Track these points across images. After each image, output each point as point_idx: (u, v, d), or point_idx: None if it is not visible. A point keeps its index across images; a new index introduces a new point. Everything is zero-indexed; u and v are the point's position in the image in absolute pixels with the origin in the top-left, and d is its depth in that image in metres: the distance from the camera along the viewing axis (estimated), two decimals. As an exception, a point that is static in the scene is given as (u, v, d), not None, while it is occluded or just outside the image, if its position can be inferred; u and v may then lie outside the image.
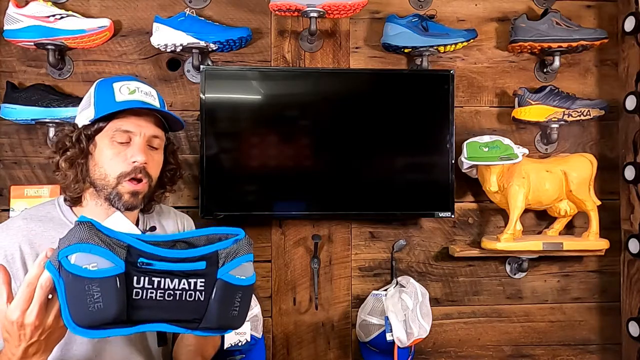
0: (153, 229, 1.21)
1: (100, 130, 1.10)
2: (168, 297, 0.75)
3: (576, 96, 1.77)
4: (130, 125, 1.10)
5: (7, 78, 1.65)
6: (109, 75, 1.69)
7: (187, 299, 0.76)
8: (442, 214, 1.70)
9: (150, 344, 1.18)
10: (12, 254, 1.04)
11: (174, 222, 1.31)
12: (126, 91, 1.11)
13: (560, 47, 1.73)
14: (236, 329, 0.83)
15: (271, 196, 1.68)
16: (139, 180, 1.11)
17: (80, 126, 1.12)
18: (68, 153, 1.10)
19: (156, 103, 1.16)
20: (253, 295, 1.62)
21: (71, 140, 1.10)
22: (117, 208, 1.10)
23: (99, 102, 1.11)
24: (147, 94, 1.14)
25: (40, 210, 1.14)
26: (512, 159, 1.64)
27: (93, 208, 1.13)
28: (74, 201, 1.14)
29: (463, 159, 1.67)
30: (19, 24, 1.57)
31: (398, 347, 1.57)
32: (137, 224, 1.19)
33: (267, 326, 1.73)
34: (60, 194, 1.19)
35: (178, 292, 0.76)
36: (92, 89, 1.16)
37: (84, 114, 1.13)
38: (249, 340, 1.53)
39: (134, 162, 1.09)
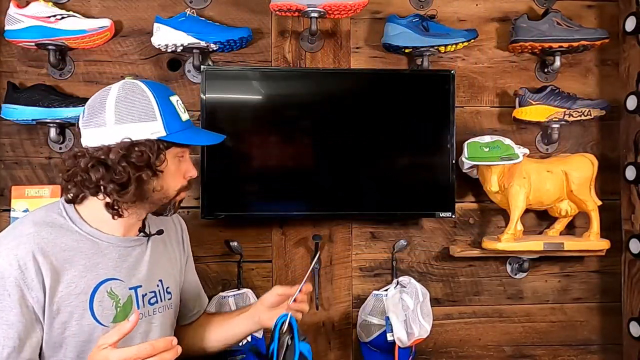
0: (160, 232, 1.23)
1: (170, 147, 1.09)
2: None
3: (577, 96, 1.77)
4: None
5: (8, 78, 1.65)
6: (109, 76, 1.70)
7: None
8: (442, 214, 1.70)
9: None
10: (25, 263, 1.01)
11: (170, 222, 1.33)
12: (182, 108, 1.14)
13: (561, 47, 1.73)
14: None
15: (272, 196, 1.68)
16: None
17: (146, 140, 1.05)
18: (143, 174, 1.05)
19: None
20: (253, 295, 1.63)
21: (151, 157, 1.04)
22: (167, 215, 1.19)
23: (167, 118, 1.07)
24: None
25: (47, 216, 1.10)
26: (512, 159, 1.64)
27: (125, 219, 1.12)
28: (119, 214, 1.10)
29: (464, 159, 1.67)
30: (19, 24, 1.57)
31: (399, 347, 1.57)
32: (143, 228, 1.20)
33: (268, 326, 1.73)
34: (61, 196, 1.15)
35: None
36: (150, 98, 1.06)
37: (146, 127, 1.05)
38: (249, 340, 1.53)
39: (190, 177, 1.17)
